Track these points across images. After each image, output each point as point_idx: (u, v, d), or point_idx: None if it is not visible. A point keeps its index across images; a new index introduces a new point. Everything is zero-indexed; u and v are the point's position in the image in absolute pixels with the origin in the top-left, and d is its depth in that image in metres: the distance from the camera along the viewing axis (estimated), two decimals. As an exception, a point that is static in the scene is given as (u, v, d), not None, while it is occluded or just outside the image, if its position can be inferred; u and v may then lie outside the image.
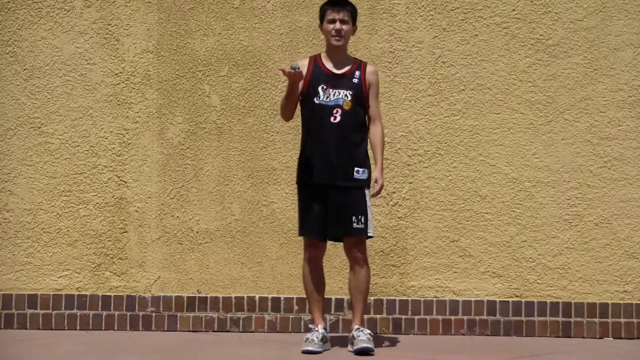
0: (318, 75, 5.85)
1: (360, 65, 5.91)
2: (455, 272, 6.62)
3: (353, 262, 5.88)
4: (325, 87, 5.82)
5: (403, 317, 6.57)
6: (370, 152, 5.92)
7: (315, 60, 5.90)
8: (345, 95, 5.81)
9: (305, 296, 6.11)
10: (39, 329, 6.59)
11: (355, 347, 5.73)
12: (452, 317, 6.57)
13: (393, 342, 6.24)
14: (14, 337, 6.28)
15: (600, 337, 6.54)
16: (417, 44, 6.68)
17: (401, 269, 6.62)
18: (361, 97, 5.85)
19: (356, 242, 5.85)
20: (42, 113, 6.70)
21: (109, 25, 6.72)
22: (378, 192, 5.87)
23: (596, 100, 6.64)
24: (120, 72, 6.71)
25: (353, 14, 5.89)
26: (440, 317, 6.57)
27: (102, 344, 6.12)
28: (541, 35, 6.66)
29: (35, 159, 6.69)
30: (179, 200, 6.68)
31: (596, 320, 6.55)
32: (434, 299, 6.59)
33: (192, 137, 6.70)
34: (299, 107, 5.94)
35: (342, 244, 5.97)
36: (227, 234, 6.67)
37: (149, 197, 6.68)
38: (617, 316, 6.56)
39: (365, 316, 6.50)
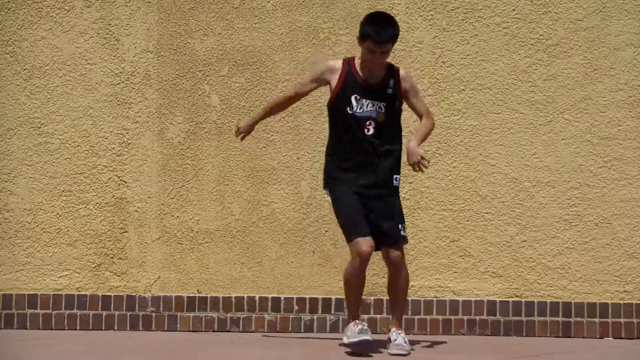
0: (351, 83, 5.71)
1: (393, 72, 5.78)
2: (455, 272, 6.62)
3: (394, 267, 5.78)
4: (358, 98, 5.70)
5: (403, 317, 6.56)
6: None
7: (348, 66, 5.75)
8: (379, 107, 5.70)
9: (344, 297, 5.99)
10: (39, 329, 6.59)
11: (390, 352, 5.75)
12: (452, 317, 6.57)
13: (393, 342, 6.23)
14: (14, 337, 6.28)
15: (600, 337, 6.54)
16: (417, 44, 6.68)
17: (401, 269, 6.61)
18: (394, 108, 5.75)
19: (398, 252, 5.78)
20: (42, 113, 6.70)
21: (109, 25, 6.72)
22: (418, 163, 5.69)
23: (596, 100, 6.64)
24: (120, 72, 6.71)
25: (395, 40, 5.71)
26: (440, 317, 6.57)
27: (102, 344, 6.12)
28: (541, 35, 6.66)
29: (35, 159, 6.69)
30: (179, 200, 6.68)
31: (596, 320, 6.55)
32: (434, 299, 6.59)
33: (192, 137, 6.70)
34: (325, 114, 5.88)
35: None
36: (227, 234, 6.67)
37: (149, 197, 6.68)
38: (617, 316, 6.56)
39: (366, 316, 6.52)
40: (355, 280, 5.76)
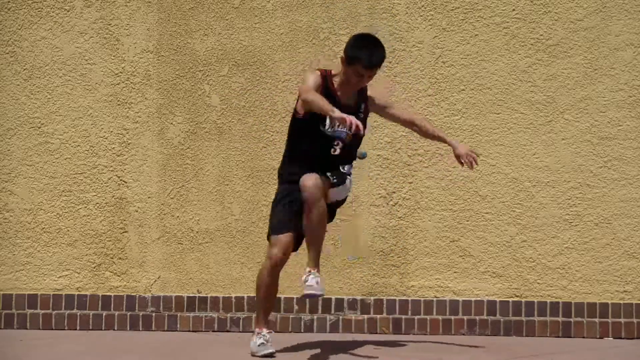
0: (329, 101, 5.42)
1: (363, 94, 5.66)
2: (455, 272, 6.62)
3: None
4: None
5: (403, 317, 6.57)
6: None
7: (326, 82, 5.55)
8: (349, 129, 5.41)
9: (256, 298, 5.82)
10: (39, 329, 6.59)
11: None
12: (452, 317, 6.57)
13: (393, 342, 6.24)
14: (14, 337, 6.28)
15: (600, 337, 6.54)
16: (417, 44, 6.68)
17: (401, 269, 6.62)
18: (361, 131, 5.53)
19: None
20: (42, 113, 6.70)
21: (109, 25, 6.72)
22: (472, 158, 5.74)
23: (596, 100, 6.64)
24: (120, 72, 6.72)
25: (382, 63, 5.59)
26: (440, 317, 6.57)
27: (102, 344, 6.12)
28: (541, 35, 6.66)
29: (35, 159, 6.69)
30: (179, 200, 6.69)
31: (596, 320, 6.55)
32: (434, 299, 6.59)
33: (192, 137, 6.71)
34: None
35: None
36: (227, 234, 6.67)
37: (149, 197, 6.69)
38: (617, 316, 6.56)
39: (365, 316, 6.54)
40: (265, 280, 5.62)
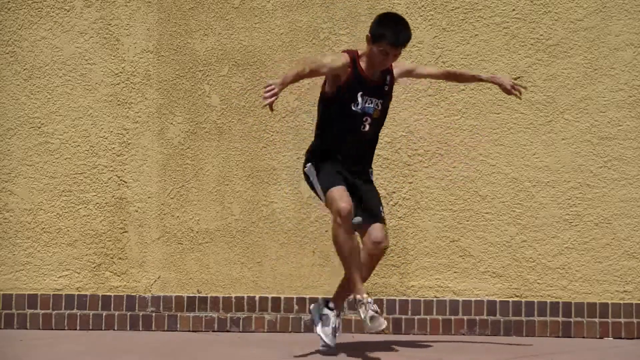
0: (359, 81, 5.60)
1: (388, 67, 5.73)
2: (455, 272, 6.62)
3: (376, 250, 5.61)
4: (363, 95, 5.60)
5: (403, 317, 6.57)
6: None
7: (354, 62, 5.61)
8: (377, 104, 5.64)
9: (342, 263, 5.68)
10: (39, 329, 6.59)
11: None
12: (452, 317, 6.57)
13: (393, 342, 6.24)
14: (14, 337, 6.29)
15: (601, 337, 6.54)
16: (417, 44, 6.68)
17: (401, 269, 6.62)
18: (387, 104, 5.72)
19: (384, 231, 5.63)
20: (42, 113, 6.70)
21: (109, 25, 6.72)
22: (518, 87, 5.93)
23: (596, 100, 6.64)
24: (120, 72, 6.72)
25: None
26: (440, 317, 6.57)
27: (102, 344, 6.12)
28: (541, 35, 6.66)
29: (35, 159, 6.69)
30: (179, 200, 6.69)
31: (596, 320, 6.56)
32: (434, 299, 6.59)
33: (192, 137, 6.71)
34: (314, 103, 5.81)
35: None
36: (227, 234, 6.67)
37: (149, 197, 6.69)
38: (617, 316, 6.56)
39: (365, 316, 6.54)
40: (341, 238, 5.50)
